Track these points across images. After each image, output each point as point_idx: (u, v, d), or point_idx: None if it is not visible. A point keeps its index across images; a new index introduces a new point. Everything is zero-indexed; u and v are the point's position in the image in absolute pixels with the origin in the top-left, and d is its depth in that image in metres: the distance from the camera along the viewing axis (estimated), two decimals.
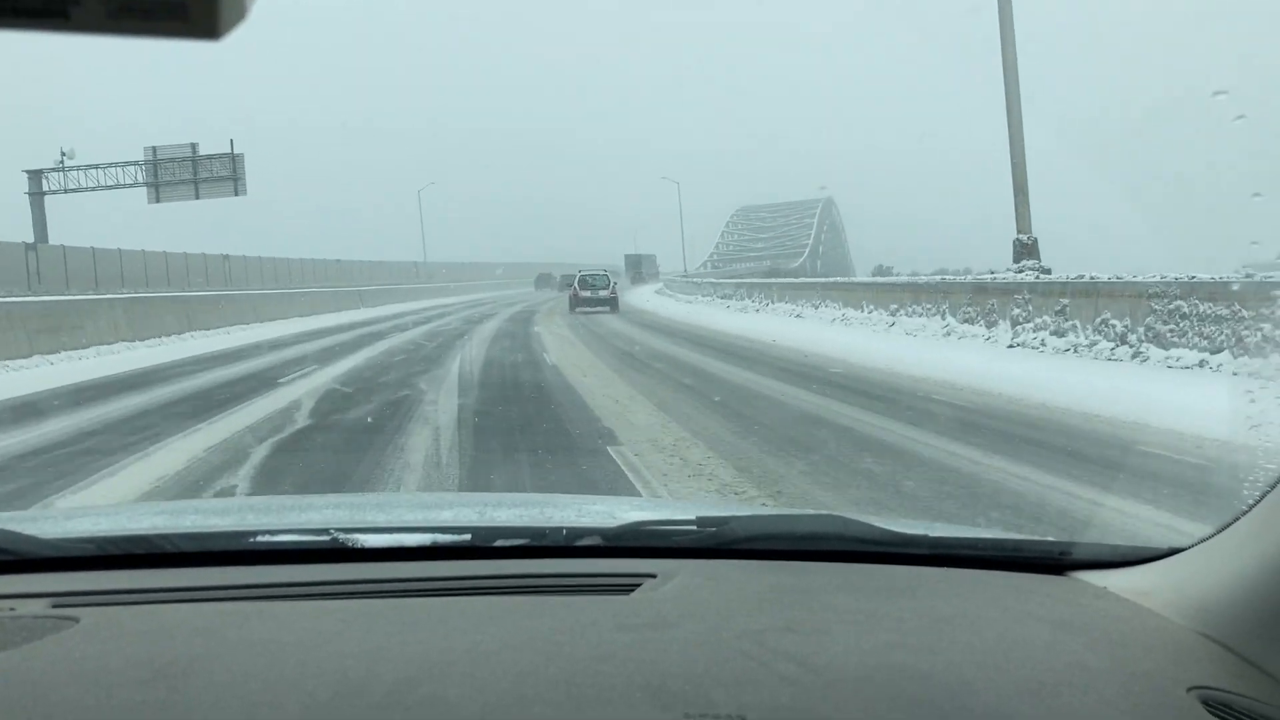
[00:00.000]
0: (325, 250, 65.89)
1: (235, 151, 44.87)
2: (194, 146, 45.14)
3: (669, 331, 26.83)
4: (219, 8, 0.66)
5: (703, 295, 49.36)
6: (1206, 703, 1.14)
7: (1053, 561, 1.64)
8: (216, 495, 7.01)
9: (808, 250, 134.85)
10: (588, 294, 41.42)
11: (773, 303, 35.37)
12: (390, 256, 79.08)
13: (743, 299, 40.57)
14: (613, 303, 41.55)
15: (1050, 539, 1.76)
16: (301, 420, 11.02)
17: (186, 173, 44.85)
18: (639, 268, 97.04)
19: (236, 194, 45.27)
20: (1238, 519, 1.37)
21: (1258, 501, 1.32)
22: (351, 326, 32.61)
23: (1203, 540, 1.45)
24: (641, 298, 55.47)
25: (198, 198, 44.99)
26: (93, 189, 44.46)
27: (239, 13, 0.67)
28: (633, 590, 1.48)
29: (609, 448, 8.69)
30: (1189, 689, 1.16)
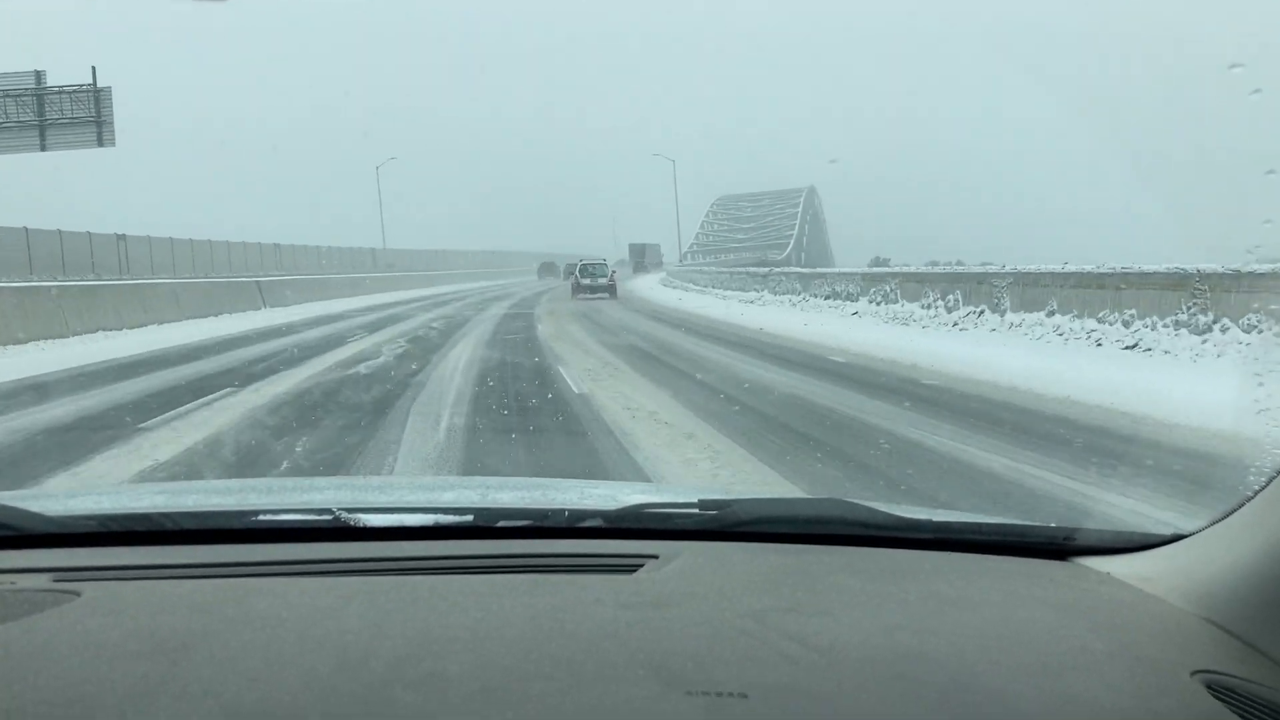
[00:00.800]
0: (277, 234, 57.75)
1: (99, 86, 30.45)
2: (38, 75, 30.72)
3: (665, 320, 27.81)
4: None
5: (713, 288, 46.40)
6: (1210, 686, 1.14)
7: (1056, 547, 1.63)
8: None
9: (792, 241, 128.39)
10: (588, 281, 44.34)
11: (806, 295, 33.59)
12: (355, 242, 72.03)
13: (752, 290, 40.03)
14: (611, 290, 44.11)
15: (1054, 525, 1.74)
16: None
17: (28, 113, 30.91)
18: (642, 256, 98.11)
19: (101, 143, 31.00)
20: (1241, 505, 1.36)
21: (1262, 488, 1.32)
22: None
23: (1206, 526, 1.44)
24: (645, 286, 56.55)
25: (43, 149, 31.12)
26: None
27: None
28: (635, 570, 1.47)
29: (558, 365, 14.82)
30: (1192, 673, 1.16)
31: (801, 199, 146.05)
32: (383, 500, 2.01)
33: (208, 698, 1.05)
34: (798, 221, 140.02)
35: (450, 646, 1.17)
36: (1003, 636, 1.26)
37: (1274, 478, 1.31)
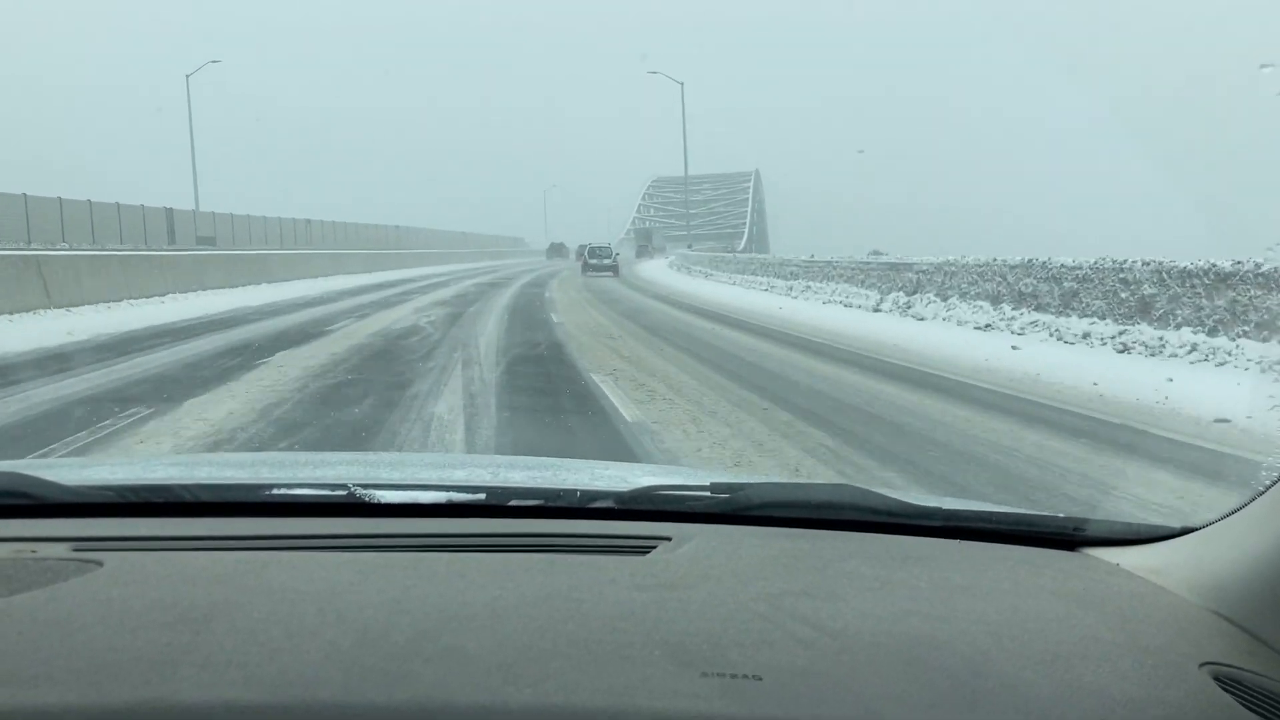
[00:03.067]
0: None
1: None
2: None
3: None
4: None
5: (714, 273, 46.05)
6: (1218, 679, 1.14)
7: (1066, 537, 1.64)
8: None
9: (746, 228, 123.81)
10: (594, 262, 52.28)
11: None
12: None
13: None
14: (614, 269, 51.74)
15: (1064, 515, 1.73)
16: None
17: None
18: (648, 240, 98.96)
19: None
20: (1253, 499, 1.36)
21: (1274, 483, 1.33)
22: None
23: (1217, 520, 1.44)
24: (652, 269, 57.71)
25: None
26: None
27: None
28: (648, 552, 1.48)
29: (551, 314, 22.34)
30: (1201, 665, 1.17)
31: (751, 184, 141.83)
32: (395, 477, 2.01)
33: (230, 668, 1.06)
34: (749, 208, 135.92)
35: (469, 623, 1.18)
36: (1013, 625, 1.26)
37: None
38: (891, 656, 1.14)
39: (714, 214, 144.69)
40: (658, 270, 54.87)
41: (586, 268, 51.51)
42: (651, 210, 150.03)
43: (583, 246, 61.67)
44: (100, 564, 1.36)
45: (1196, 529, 1.50)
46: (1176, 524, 1.55)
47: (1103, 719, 1.06)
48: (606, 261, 51.56)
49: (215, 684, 1.03)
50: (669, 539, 1.53)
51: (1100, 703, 1.08)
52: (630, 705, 1.02)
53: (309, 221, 57.33)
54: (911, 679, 1.10)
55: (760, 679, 1.07)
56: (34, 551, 1.43)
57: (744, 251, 75.17)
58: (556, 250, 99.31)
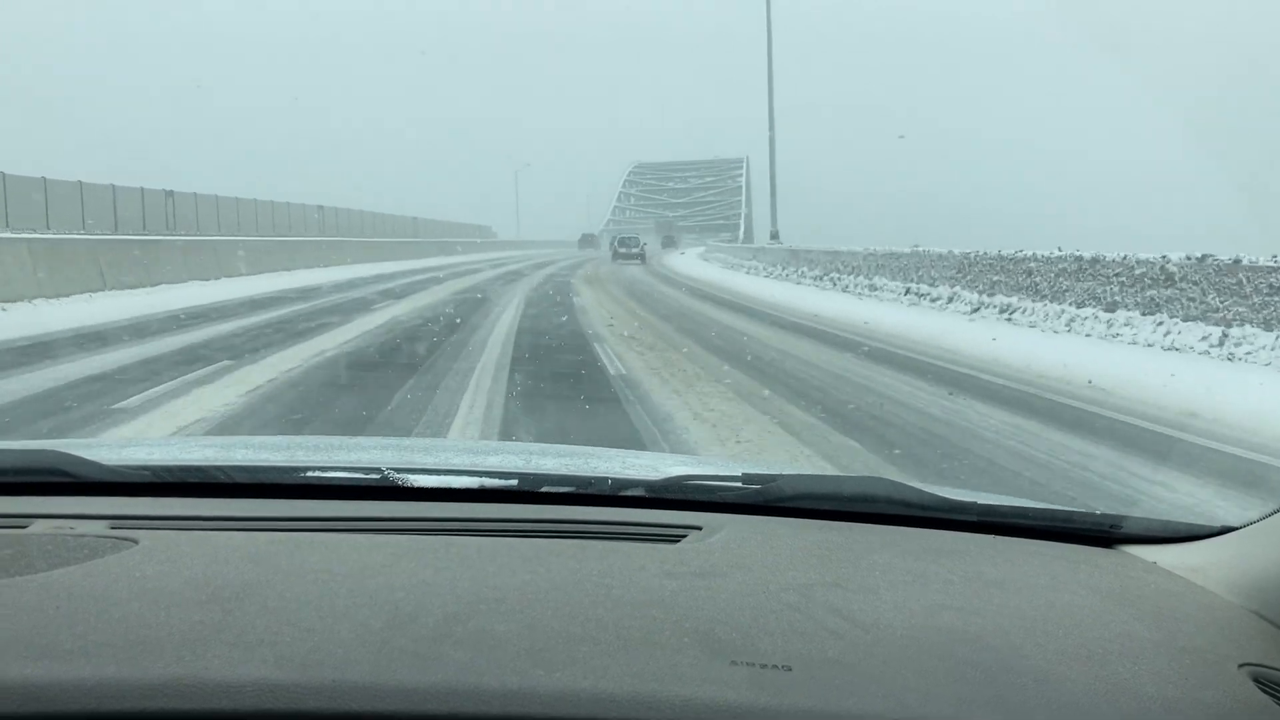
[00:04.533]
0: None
1: None
2: None
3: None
4: None
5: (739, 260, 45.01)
6: (1258, 680, 1.13)
7: (1102, 534, 1.62)
8: None
9: (742, 219, 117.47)
10: (624, 250, 57.93)
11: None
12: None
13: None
14: (641, 257, 57.03)
15: (1100, 512, 1.72)
16: None
17: None
18: (670, 231, 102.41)
19: None
20: None
21: None
22: None
23: (1257, 520, 1.43)
24: (681, 261, 55.27)
25: None
26: None
27: None
28: (679, 540, 1.48)
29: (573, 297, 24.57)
30: (1240, 665, 1.15)
31: (744, 171, 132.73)
32: (429, 462, 2.02)
33: (262, 646, 1.07)
34: (744, 196, 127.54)
35: (499, 607, 1.18)
36: (1048, 620, 1.25)
37: None
38: (923, 650, 1.13)
39: (702, 203, 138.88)
40: (693, 265, 49.97)
41: (616, 255, 57.76)
42: (632, 199, 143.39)
43: (613, 238, 68.90)
44: (136, 542, 1.37)
45: (1236, 528, 1.48)
46: (1216, 524, 1.54)
47: (1138, 718, 1.05)
48: (635, 250, 57.64)
49: (246, 662, 1.04)
50: (700, 528, 1.53)
51: (1136, 701, 1.06)
52: (659, 692, 1.02)
53: (277, 205, 52.43)
54: (943, 672, 1.09)
55: (790, 669, 1.06)
56: (72, 529, 1.44)
57: (744, 244, 73.86)
58: (588, 241, 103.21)
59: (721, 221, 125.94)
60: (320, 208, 55.92)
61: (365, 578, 1.26)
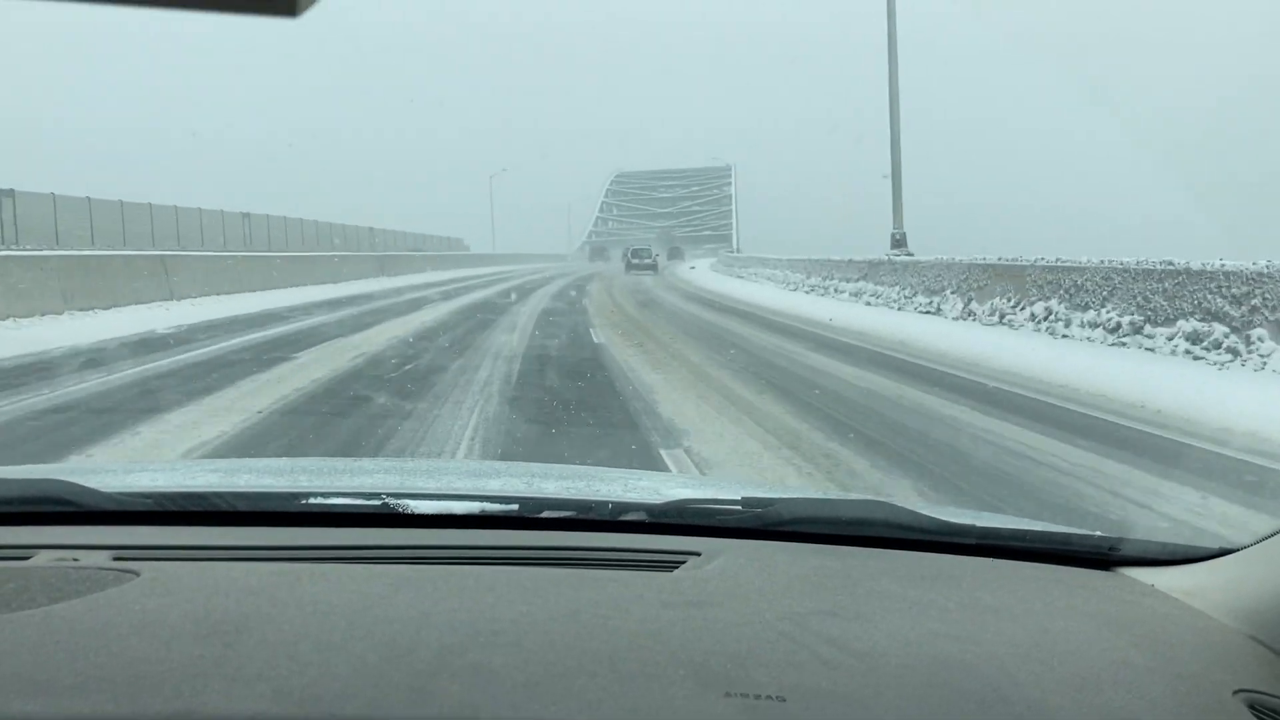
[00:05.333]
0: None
1: None
2: None
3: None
4: None
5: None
6: (1253, 706, 1.12)
7: (1101, 557, 1.62)
8: None
9: (734, 229, 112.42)
10: (637, 261, 60.46)
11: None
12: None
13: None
14: (654, 268, 59.20)
15: (1099, 534, 1.71)
16: None
17: None
18: (675, 243, 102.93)
19: None
20: None
21: None
22: None
23: (1255, 542, 1.42)
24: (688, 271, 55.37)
25: None
26: None
27: None
28: (677, 567, 1.48)
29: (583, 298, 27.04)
30: (1235, 691, 1.15)
31: (731, 180, 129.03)
32: (431, 486, 2.04)
33: (260, 681, 1.08)
34: (734, 205, 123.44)
35: (495, 639, 1.18)
36: (1043, 647, 1.25)
37: None
38: (917, 679, 1.13)
39: (688, 213, 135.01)
40: (707, 277, 46.34)
41: (630, 266, 60.28)
42: (615, 210, 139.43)
43: (625, 249, 71.39)
44: (138, 574, 1.38)
45: (1234, 550, 1.48)
46: (1214, 545, 1.53)
47: None
48: (647, 261, 60.89)
49: (244, 697, 1.05)
50: (698, 554, 1.53)
51: None
52: None
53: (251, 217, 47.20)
54: (937, 703, 1.09)
55: (784, 700, 1.06)
56: (75, 560, 1.46)
57: (726, 253, 72.86)
58: (599, 253, 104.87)
59: (709, 232, 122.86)
60: (236, 215, 45.35)
61: (363, 610, 1.27)
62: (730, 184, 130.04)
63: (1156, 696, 1.14)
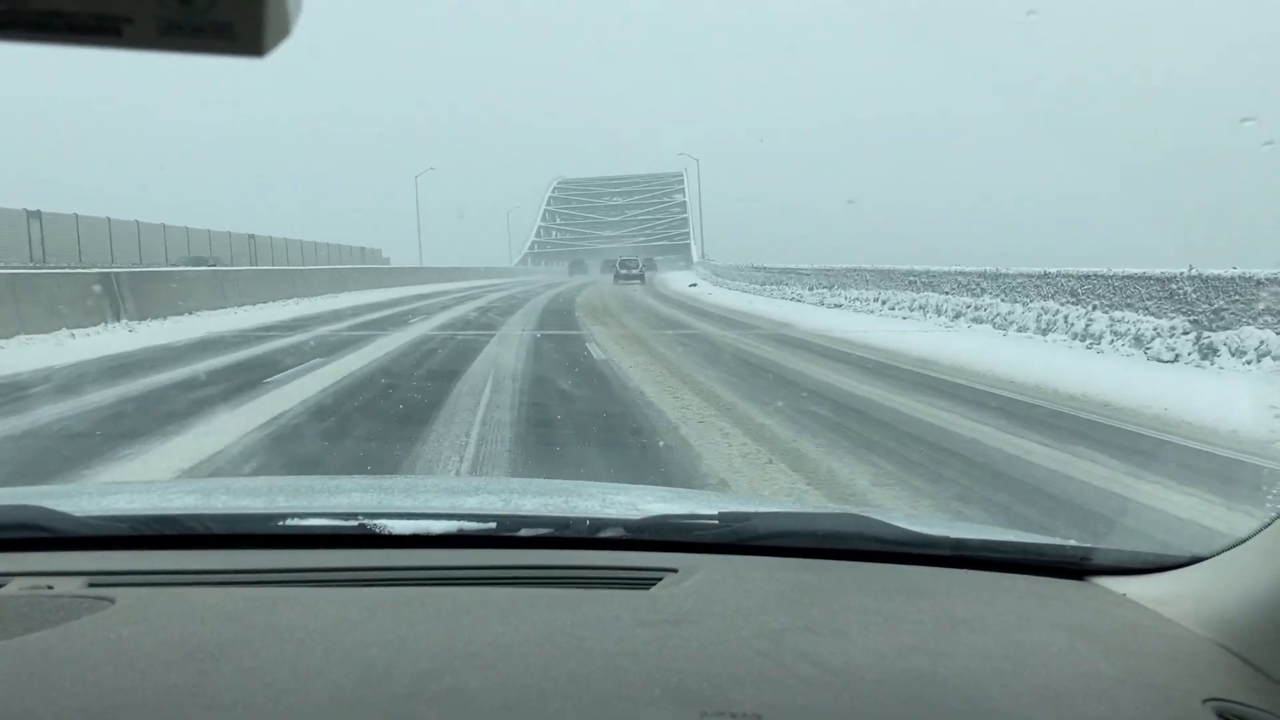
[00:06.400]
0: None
1: None
2: None
3: None
4: (264, 27, 0.68)
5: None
6: (1222, 715, 1.13)
7: (1073, 566, 1.64)
8: None
9: (692, 236, 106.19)
10: (624, 272, 61.58)
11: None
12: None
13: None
14: (641, 278, 60.51)
15: (1072, 543, 1.73)
16: None
17: None
18: (647, 255, 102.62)
19: None
20: (1262, 529, 1.35)
21: None
22: None
23: (1224, 550, 1.44)
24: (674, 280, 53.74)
25: None
26: None
27: (283, 31, 0.69)
28: (653, 585, 1.49)
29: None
30: (1204, 700, 1.16)
31: (685, 184, 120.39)
32: (408, 505, 2.04)
33: (236, 708, 1.08)
34: (689, 212, 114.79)
35: (472, 662, 1.19)
36: (1016, 660, 1.26)
37: None
38: (892, 694, 1.14)
39: (637, 222, 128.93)
40: (697, 289, 43.85)
41: (618, 277, 62.18)
42: (558, 218, 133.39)
43: (608, 262, 73.10)
44: (113, 601, 1.38)
45: (1204, 559, 1.49)
46: (1185, 554, 1.55)
47: None
48: (634, 272, 62.55)
49: None
50: (675, 570, 1.54)
51: None
52: None
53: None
54: (911, 718, 1.10)
55: (760, 718, 1.07)
56: (50, 588, 1.45)
57: (702, 262, 70.11)
58: (578, 266, 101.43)
59: (664, 241, 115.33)
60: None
61: (340, 634, 1.27)
62: (683, 191, 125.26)
63: (1128, 707, 1.15)
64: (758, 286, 41.15)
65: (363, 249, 72.05)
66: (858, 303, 28.21)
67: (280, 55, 0.72)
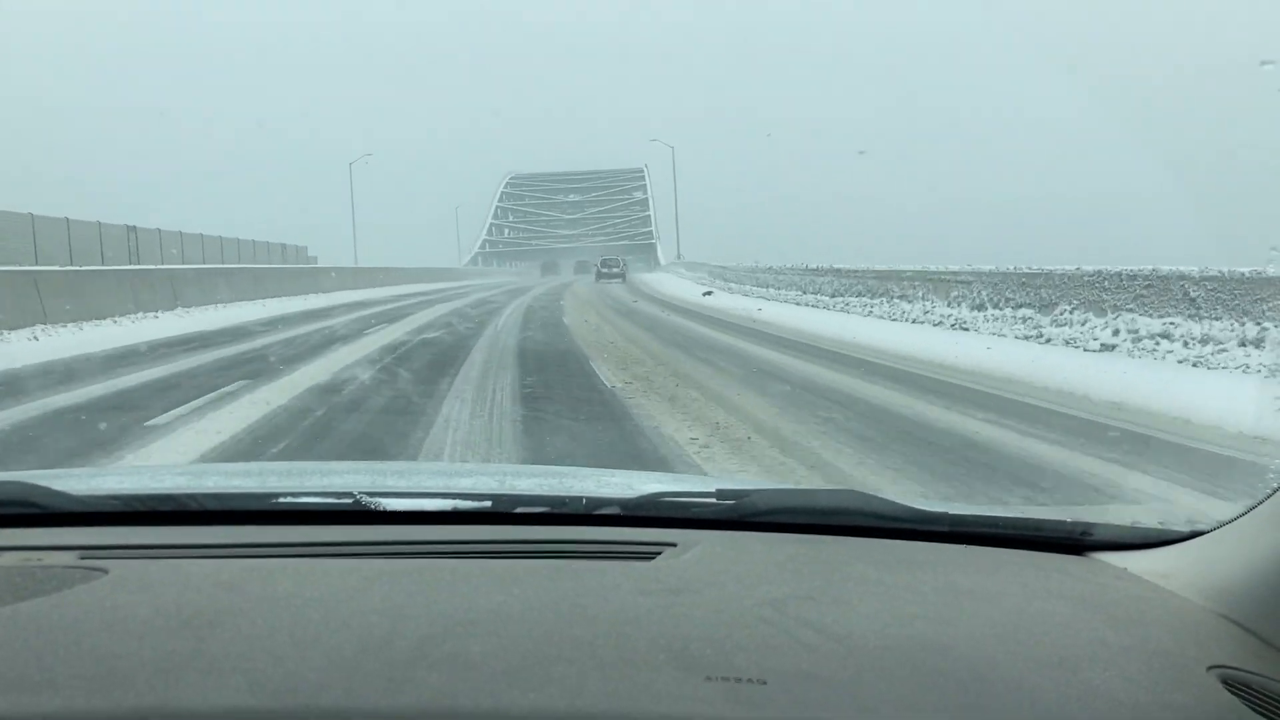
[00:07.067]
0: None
1: None
2: None
3: None
4: None
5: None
6: (1226, 682, 1.15)
7: (1073, 542, 1.64)
8: None
9: (655, 234, 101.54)
10: (606, 271, 64.33)
11: None
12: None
13: None
14: (622, 276, 62.82)
15: (1071, 520, 1.73)
16: None
17: None
18: (616, 254, 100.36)
19: None
20: (1261, 502, 1.37)
21: (1279, 487, 1.33)
22: None
23: (1224, 523, 1.45)
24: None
25: None
26: None
27: None
28: (654, 557, 1.49)
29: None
30: (1209, 668, 1.17)
31: (647, 181, 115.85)
32: (402, 485, 2.02)
33: (235, 674, 1.07)
34: (651, 210, 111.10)
35: (472, 629, 1.18)
36: (1019, 629, 1.27)
37: None
38: (896, 661, 1.14)
39: (597, 219, 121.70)
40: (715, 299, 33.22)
41: (600, 276, 63.49)
42: (511, 215, 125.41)
43: (581, 263, 74.01)
44: (106, 571, 1.36)
45: (1204, 533, 1.49)
46: (1184, 528, 1.55)
47: None
48: (616, 271, 63.35)
49: (218, 690, 1.04)
50: (674, 545, 1.52)
51: (1107, 706, 1.08)
52: (634, 710, 1.02)
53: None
54: (916, 683, 1.10)
55: (765, 683, 1.07)
56: (40, 560, 1.43)
57: (678, 263, 64.73)
58: (550, 268, 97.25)
59: (626, 242, 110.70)
60: None
61: (338, 603, 1.26)
62: (644, 188, 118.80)
63: (1134, 674, 1.15)
64: (774, 291, 33.40)
65: (284, 247, 57.90)
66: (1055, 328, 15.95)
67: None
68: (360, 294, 41.20)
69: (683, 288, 43.86)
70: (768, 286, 35.23)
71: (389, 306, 31.24)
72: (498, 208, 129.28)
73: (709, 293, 37.00)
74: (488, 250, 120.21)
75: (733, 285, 40.32)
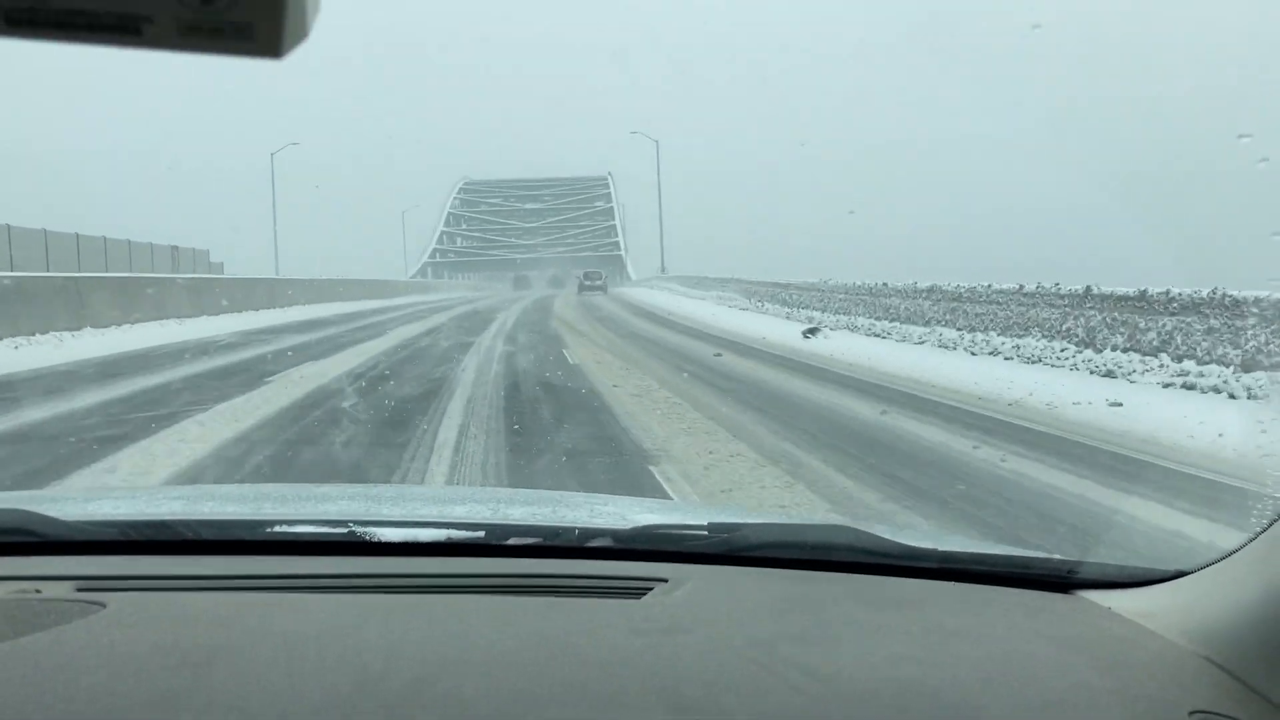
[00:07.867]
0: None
1: None
2: None
3: None
4: (283, 29, 0.68)
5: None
6: None
7: (1060, 580, 1.65)
8: None
9: (622, 246, 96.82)
10: (588, 283, 66.00)
11: None
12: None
13: None
14: (603, 288, 65.39)
15: (1059, 557, 1.75)
16: None
17: None
18: (593, 267, 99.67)
19: None
20: (1246, 544, 1.37)
21: (1265, 529, 1.32)
22: None
23: (1209, 564, 1.45)
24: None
25: None
26: None
27: (300, 33, 0.69)
28: (645, 594, 1.49)
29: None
30: (1190, 712, 1.17)
31: (611, 189, 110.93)
32: (396, 513, 2.02)
33: (231, 712, 1.07)
34: (617, 220, 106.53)
35: (466, 669, 1.18)
36: (1005, 670, 1.27)
37: (1276, 519, 1.30)
38: (883, 703, 1.15)
39: (558, 229, 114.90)
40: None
41: (582, 288, 65.29)
42: (464, 223, 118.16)
43: (555, 277, 73.67)
44: (104, 605, 1.36)
45: (1189, 573, 1.50)
46: (1169, 568, 1.55)
47: None
48: (598, 283, 65.43)
49: None
50: (665, 580, 1.53)
51: None
52: None
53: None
54: None
55: None
56: (39, 591, 1.43)
57: (662, 277, 63.84)
58: (521, 282, 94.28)
59: (590, 253, 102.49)
60: None
61: (333, 639, 1.26)
62: (610, 196, 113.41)
63: (1115, 718, 1.15)
64: (809, 312, 28.26)
65: (175, 249, 47.10)
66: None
67: (295, 57, 0.72)
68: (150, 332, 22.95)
69: (664, 298, 42.26)
70: (783, 304, 31.39)
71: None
72: (450, 214, 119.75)
73: (811, 332, 22.08)
74: (438, 260, 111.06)
75: (766, 304, 33.88)
